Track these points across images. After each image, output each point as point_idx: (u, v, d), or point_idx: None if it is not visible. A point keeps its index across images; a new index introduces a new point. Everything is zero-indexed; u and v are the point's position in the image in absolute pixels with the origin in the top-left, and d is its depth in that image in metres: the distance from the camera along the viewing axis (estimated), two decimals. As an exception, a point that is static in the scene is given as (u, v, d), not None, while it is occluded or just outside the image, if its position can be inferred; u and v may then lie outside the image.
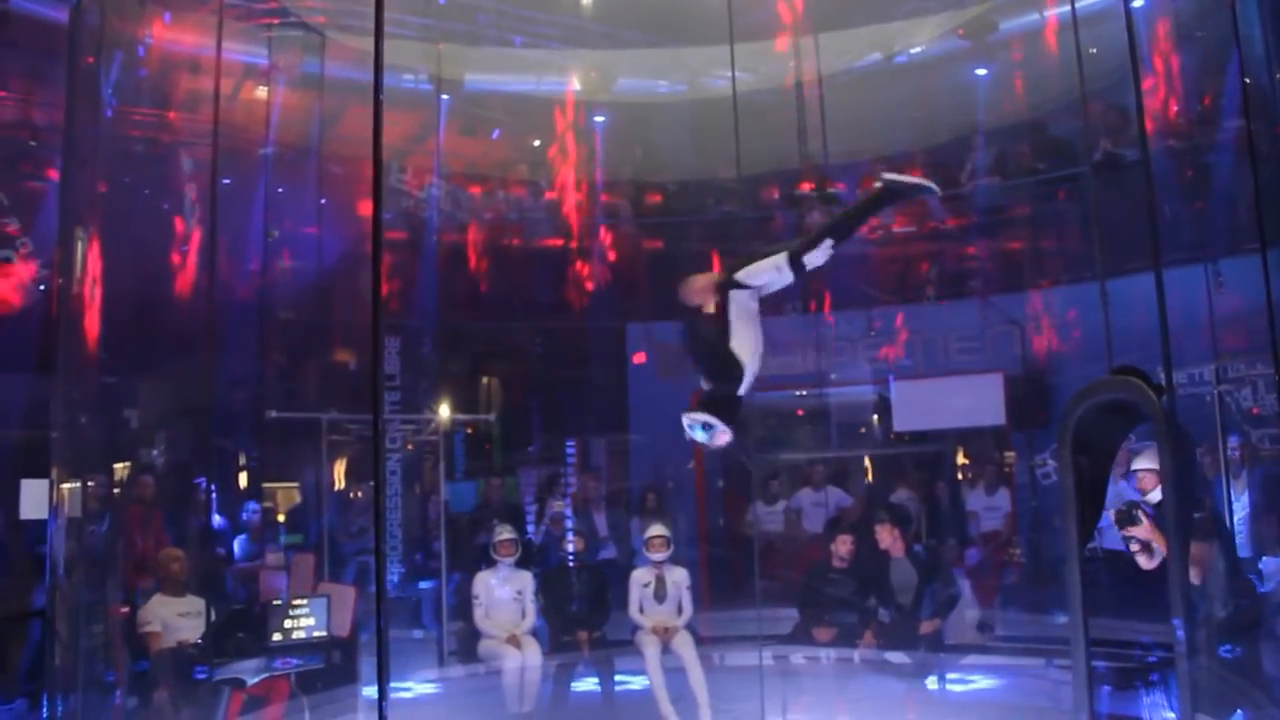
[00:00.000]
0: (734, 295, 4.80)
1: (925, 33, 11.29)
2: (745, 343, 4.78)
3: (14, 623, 7.64)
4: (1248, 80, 6.34)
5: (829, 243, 4.79)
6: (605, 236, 12.25)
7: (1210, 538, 5.70)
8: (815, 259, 4.78)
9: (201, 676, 6.80)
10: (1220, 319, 7.95)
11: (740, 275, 4.81)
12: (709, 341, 4.86)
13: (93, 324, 6.94)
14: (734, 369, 4.75)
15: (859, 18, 10.85)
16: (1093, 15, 8.60)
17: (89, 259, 7.01)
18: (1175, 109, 9.24)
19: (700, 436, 4.79)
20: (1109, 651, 6.39)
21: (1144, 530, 5.79)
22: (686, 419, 4.78)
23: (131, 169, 9.41)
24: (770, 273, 4.80)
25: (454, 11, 10.69)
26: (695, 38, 10.44)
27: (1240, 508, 7.58)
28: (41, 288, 10.40)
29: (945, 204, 11.78)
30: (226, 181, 9.93)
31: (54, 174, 10.16)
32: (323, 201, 11.73)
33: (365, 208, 10.71)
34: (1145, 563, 5.91)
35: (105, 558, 7.37)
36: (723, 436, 4.77)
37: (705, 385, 4.85)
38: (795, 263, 4.78)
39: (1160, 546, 5.67)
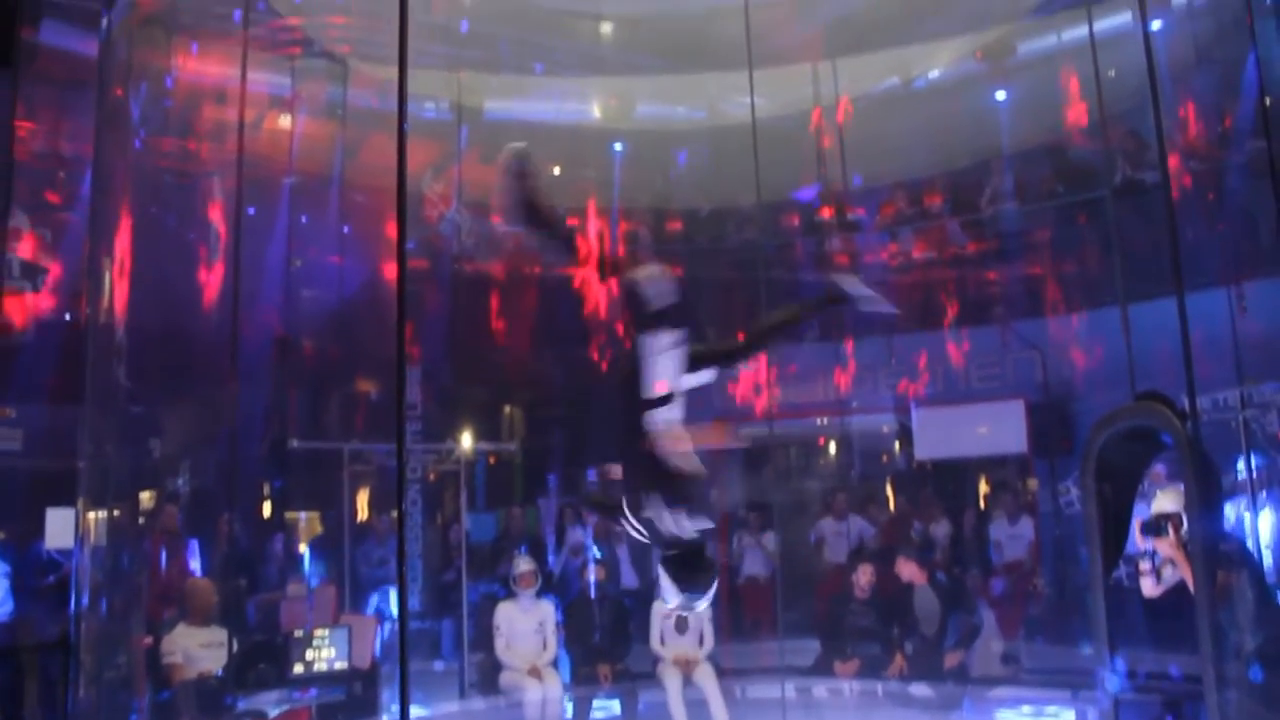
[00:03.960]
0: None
1: (943, 57, 11.30)
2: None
3: (31, 654, 7.65)
4: (1268, 101, 6.30)
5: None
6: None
7: (1238, 565, 5.59)
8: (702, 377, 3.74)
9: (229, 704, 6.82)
10: (1244, 343, 7.88)
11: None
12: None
13: (119, 353, 6.98)
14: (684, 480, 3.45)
15: (876, 42, 10.84)
16: (1111, 38, 8.59)
17: (116, 288, 7.07)
18: (1196, 131, 9.20)
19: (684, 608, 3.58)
20: (1137, 683, 6.30)
21: (1168, 545, 5.63)
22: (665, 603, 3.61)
23: (158, 198, 9.50)
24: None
25: (475, 40, 10.74)
26: (714, 64, 10.46)
27: (1266, 534, 7.48)
28: (66, 317, 10.52)
29: (965, 229, 11.76)
30: (250, 210, 10.03)
31: (81, 204, 10.32)
32: (345, 230, 11.82)
33: (388, 234, 10.83)
34: (1149, 589, 5.79)
35: (130, 587, 7.39)
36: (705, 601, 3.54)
37: (659, 527, 3.44)
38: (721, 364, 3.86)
39: (1180, 566, 5.55)
